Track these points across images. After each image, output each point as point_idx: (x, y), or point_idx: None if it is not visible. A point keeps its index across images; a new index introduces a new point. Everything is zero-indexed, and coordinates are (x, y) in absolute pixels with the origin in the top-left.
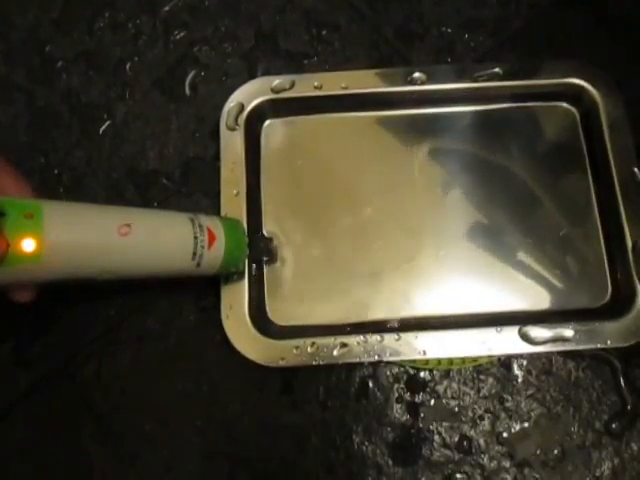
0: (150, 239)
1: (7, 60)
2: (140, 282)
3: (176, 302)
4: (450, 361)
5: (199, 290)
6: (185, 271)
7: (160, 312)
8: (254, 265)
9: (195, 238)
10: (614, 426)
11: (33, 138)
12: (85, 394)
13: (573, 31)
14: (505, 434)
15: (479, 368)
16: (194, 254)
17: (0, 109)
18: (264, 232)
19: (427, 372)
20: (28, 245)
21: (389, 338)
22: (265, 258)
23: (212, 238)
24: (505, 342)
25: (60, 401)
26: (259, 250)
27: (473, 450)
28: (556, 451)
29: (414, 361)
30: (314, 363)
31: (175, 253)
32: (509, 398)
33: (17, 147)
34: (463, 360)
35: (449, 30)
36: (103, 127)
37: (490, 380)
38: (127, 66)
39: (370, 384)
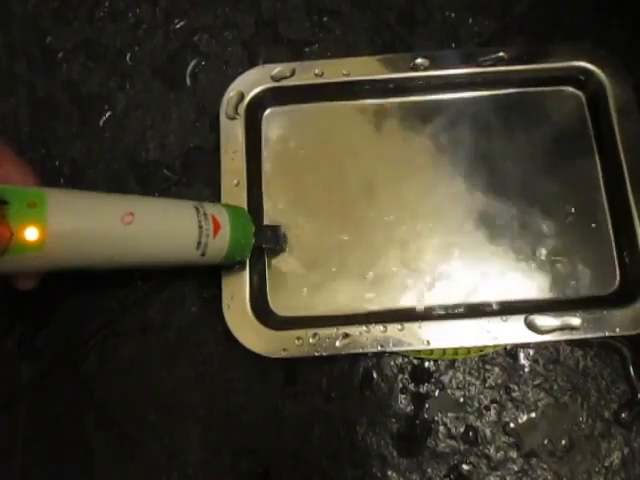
0: (154, 228)
1: (8, 51)
2: (143, 272)
3: (178, 293)
4: (455, 351)
5: (201, 281)
6: (189, 260)
7: (162, 303)
8: (256, 255)
9: (200, 227)
10: (623, 415)
11: (34, 129)
12: (87, 384)
13: (579, 13)
14: (512, 424)
15: (485, 358)
16: (199, 243)
17: (1, 100)
18: (268, 222)
19: (432, 362)
20: (31, 234)
21: (392, 328)
22: (273, 247)
23: (217, 227)
24: (511, 331)
25: (63, 391)
26: (266, 239)
27: (479, 441)
28: (564, 441)
29: (418, 351)
30: (316, 354)
31: (179, 242)
32: (516, 388)
33: (18, 138)
34: (468, 350)
35: (453, 14)
36: (104, 118)
37: (496, 370)
38: (127, 56)
39: (374, 375)
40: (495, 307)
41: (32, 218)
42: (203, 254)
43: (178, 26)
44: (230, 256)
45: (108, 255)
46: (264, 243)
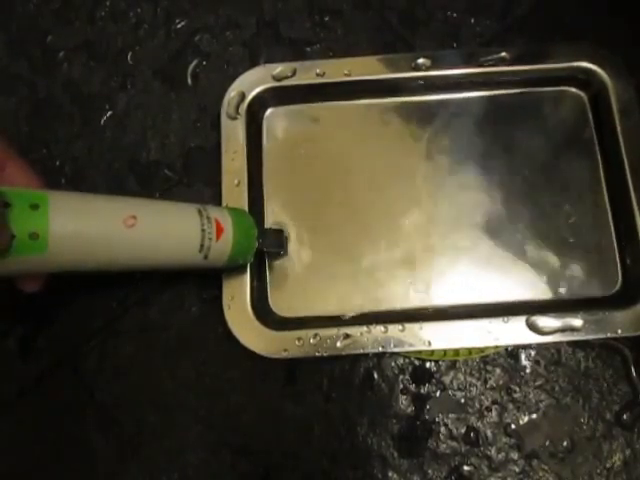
0: (156, 231)
1: (9, 50)
2: (144, 273)
3: (178, 293)
4: (456, 352)
5: (201, 281)
6: (192, 263)
7: (162, 303)
8: (257, 256)
9: (203, 230)
10: (625, 417)
11: (34, 129)
12: (88, 385)
13: (581, 13)
14: (513, 425)
15: (486, 359)
16: (201, 246)
17: (1, 100)
18: (269, 222)
19: (433, 363)
20: (33, 236)
21: (393, 329)
22: (277, 251)
23: (220, 230)
24: (512, 332)
25: (63, 391)
26: (270, 243)
27: (480, 442)
28: (565, 442)
29: (419, 352)
30: (317, 354)
31: (182, 245)
32: (517, 389)
33: (19, 138)
34: (469, 351)
35: (454, 14)
36: (104, 117)
37: (497, 371)
38: (128, 56)
39: (375, 375)
40: (496, 308)
41: (34, 220)
42: (206, 257)
43: (179, 26)
44: (233, 259)
45: (110, 258)
46: (267, 247)
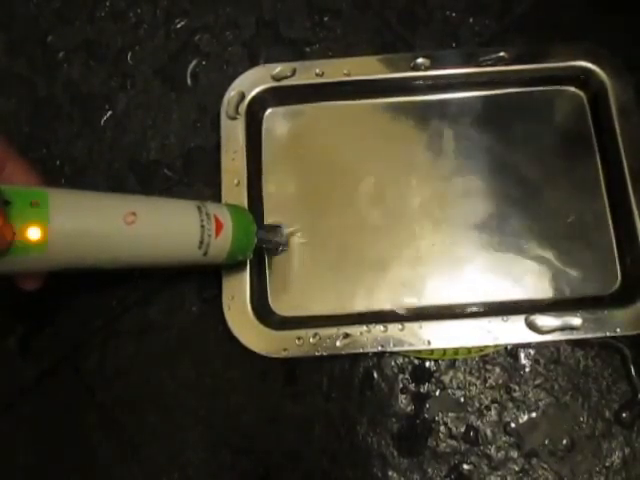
0: (156, 227)
1: (9, 50)
2: (143, 271)
3: (178, 293)
4: (456, 351)
5: (201, 281)
6: (192, 260)
7: (162, 303)
8: (257, 255)
9: (202, 227)
10: (624, 415)
11: (35, 129)
12: (88, 385)
13: (580, 13)
14: (512, 424)
15: (485, 358)
16: (201, 242)
17: (1, 100)
18: (268, 222)
19: (432, 362)
20: (34, 233)
21: (393, 328)
22: (275, 247)
23: (219, 226)
24: (512, 331)
25: (63, 392)
26: (268, 239)
27: (480, 441)
28: (565, 441)
29: (419, 351)
30: (317, 354)
31: (181, 241)
32: (516, 388)
33: (19, 138)
34: (469, 350)
35: (453, 14)
36: (104, 117)
37: (497, 370)
38: (128, 56)
39: (374, 375)
40: (496, 307)
41: (35, 218)
42: (205, 254)
43: (179, 26)
44: (232, 256)
45: (110, 255)
46: (266, 243)
